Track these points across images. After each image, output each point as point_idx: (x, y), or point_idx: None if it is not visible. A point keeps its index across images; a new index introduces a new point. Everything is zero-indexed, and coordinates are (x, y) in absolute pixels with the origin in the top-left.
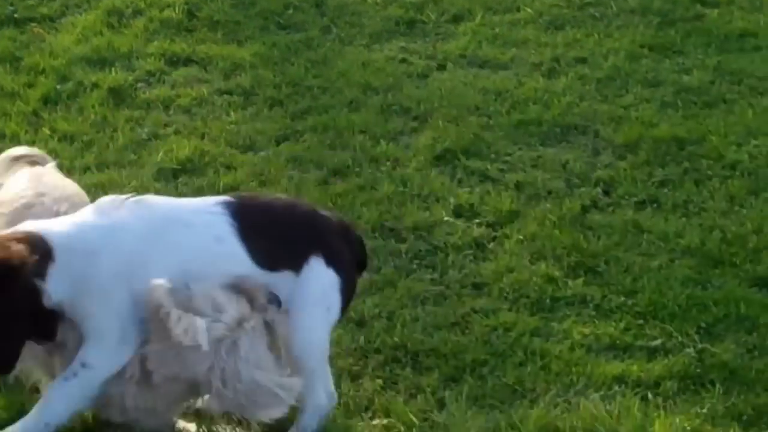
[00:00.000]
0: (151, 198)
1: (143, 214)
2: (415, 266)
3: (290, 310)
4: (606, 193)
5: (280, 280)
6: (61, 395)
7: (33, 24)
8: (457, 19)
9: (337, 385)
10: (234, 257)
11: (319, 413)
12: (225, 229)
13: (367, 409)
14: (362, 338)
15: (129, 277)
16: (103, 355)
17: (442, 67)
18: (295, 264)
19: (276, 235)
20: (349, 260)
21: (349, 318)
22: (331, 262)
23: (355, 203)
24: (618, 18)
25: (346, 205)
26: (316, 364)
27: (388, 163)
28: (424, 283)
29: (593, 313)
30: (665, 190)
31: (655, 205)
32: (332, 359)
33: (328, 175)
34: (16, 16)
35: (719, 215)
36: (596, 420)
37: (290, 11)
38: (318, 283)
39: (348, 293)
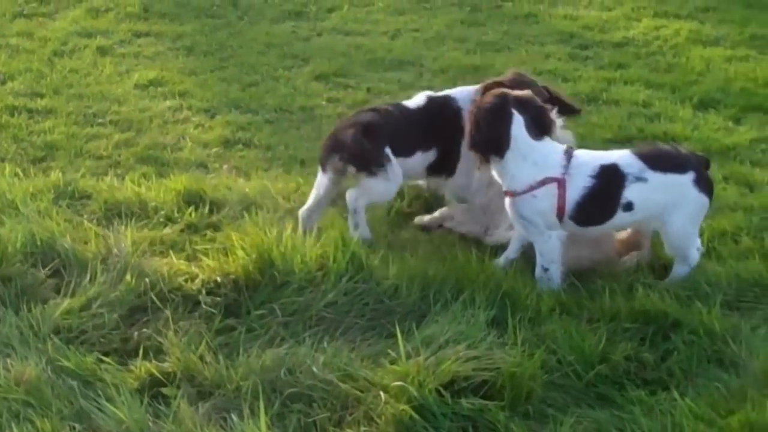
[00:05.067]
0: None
1: None
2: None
3: None
4: None
5: None
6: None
7: (37, 17)
8: (330, 10)
9: None
10: None
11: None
12: None
13: None
14: None
15: None
16: None
17: (319, 35)
18: None
19: None
20: None
21: None
22: None
23: (263, 98)
24: (441, 8)
25: (256, 99)
26: None
27: (283, 80)
28: None
29: None
30: None
31: None
32: None
33: (245, 86)
34: (24, 12)
35: None
36: None
37: (214, 8)
38: None
39: None
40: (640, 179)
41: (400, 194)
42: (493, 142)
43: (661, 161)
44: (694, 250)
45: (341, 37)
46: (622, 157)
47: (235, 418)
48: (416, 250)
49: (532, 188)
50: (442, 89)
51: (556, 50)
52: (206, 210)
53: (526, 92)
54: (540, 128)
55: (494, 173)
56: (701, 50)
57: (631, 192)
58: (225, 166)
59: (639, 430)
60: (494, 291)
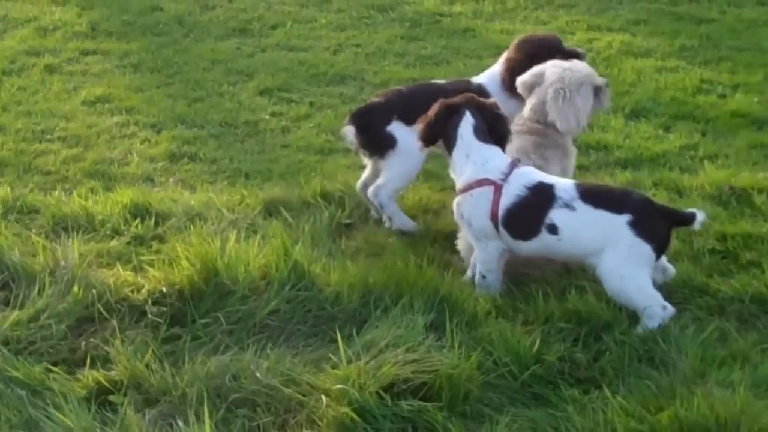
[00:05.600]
0: None
1: None
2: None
3: None
4: None
5: None
6: None
7: None
8: (274, 27)
9: None
10: None
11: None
12: None
13: None
14: None
15: None
16: None
17: (263, 51)
18: None
19: None
20: None
21: None
22: None
23: (209, 113)
24: (382, 24)
25: (201, 114)
26: None
27: (228, 95)
28: None
29: None
30: None
31: None
32: None
33: (191, 101)
34: None
35: None
36: None
37: (160, 26)
38: None
39: None
40: (568, 206)
41: (341, 204)
42: (434, 136)
43: (595, 196)
44: (654, 305)
45: (285, 53)
46: (561, 182)
47: (180, 423)
48: (356, 258)
49: (470, 187)
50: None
51: (492, 63)
52: (152, 222)
53: (491, 100)
54: (491, 135)
55: (450, 172)
56: (633, 61)
57: (556, 215)
58: (171, 180)
59: (572, 428)
60: (432, 296)
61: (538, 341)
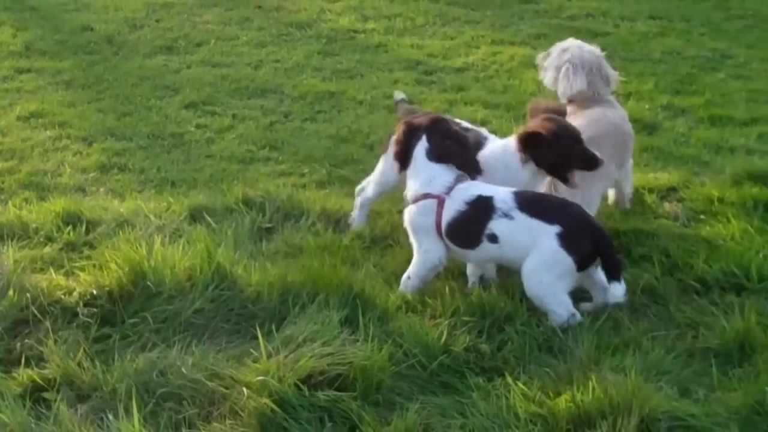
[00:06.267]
0: None
1: None
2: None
3: None
4: (286, 116)
5: None
6: None
7: None
8: (198, 44)
9: None
10: None
11: None
12: None
13: None
14: None
15: None
16: None
17: (189, 67)
18: None
19: None
20: None
21: None
22: None
23: (137, 126)
24: (300, 40)
25: (130, 127)
26: None
27: (155, 109)
28: None
29: None
30: (323, 114)
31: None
32: None
33: (120, 115)
34: None
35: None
36: None
37: (91, 45)
38: None
39: None
40: (507, 216)
41: (262, 209)
42: (401, 156)
43: (532, 206)
44: (562, 310)
45: (209, 69)
46: (501, 193)
47: (111, 417)
48: (276, 259)
49: (417, 200)
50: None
51: (404, 76)
52: (83, 229)
53: (443, 123)
54: (440, 155)
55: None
56: (533, 73)
57: (496, 225)
58: (101, 189)
59: (477, 414)
60: (346, 293)
61: (445, 333)
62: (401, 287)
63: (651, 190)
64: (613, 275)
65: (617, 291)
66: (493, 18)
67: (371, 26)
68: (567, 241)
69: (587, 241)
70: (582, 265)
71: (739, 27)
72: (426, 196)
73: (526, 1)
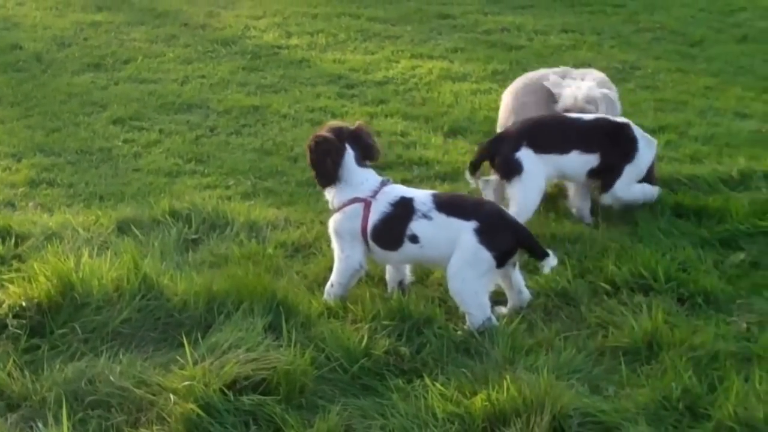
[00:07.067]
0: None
1: None
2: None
3: None
4: (211, 130)
5: None
6: None
7: None
8: (126, 61)
9: None
10: None
11: None
12: None
13: None
14: None
15: None
16: None
17: (116, 84)
18: None
19: None
20: None
21: None
22: None
23: (66, 142)
24: (225, 56)
25: (59, 143)
26: None
27: (84, 125)
28: None
29: None
30: (248, 128)
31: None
32: None
33: (49, 131)
34: None
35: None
36: None
37: (20, 62)
38: None
39: None
40: (426, 216)
41: (188, 221)
42: (331, 178)
43: (449, 206)
44: (480, 313)
45: (136, 85)
46: (420, 195)
47: (41, 425)
48: (202, 269)
49: (344, 205)
50: None
51: (326, 90)
52: (12, 243)
53: (358, 125)
54: (366, 157)
55: (325, 193)
56: (451, 85)
57: (416, 226)
58: (31, 204)
59: (397, 414)
60: (270, 300)
61: (366, 337)
62: (325, 296)
63: (564, 196)
64: (539, 255)
65: (551, 262)
66: (413, 33)
67: (294, 42)
68: (484, 235)
69: (504, 235)
70: (500, 260)
71: (647, 39)
72: (354, 200)
73: (444, 16)
